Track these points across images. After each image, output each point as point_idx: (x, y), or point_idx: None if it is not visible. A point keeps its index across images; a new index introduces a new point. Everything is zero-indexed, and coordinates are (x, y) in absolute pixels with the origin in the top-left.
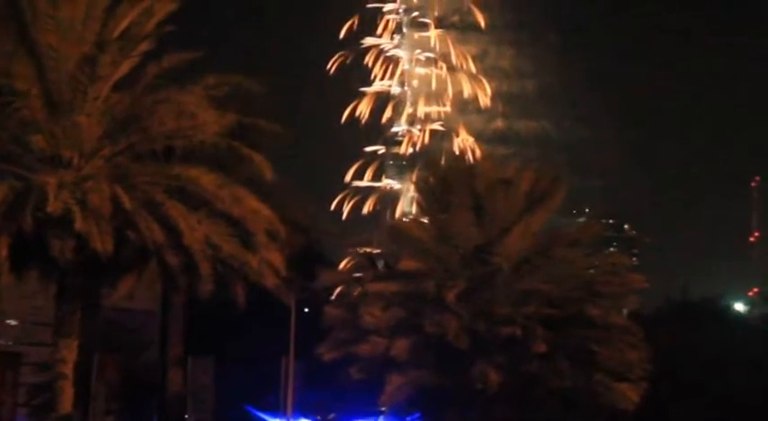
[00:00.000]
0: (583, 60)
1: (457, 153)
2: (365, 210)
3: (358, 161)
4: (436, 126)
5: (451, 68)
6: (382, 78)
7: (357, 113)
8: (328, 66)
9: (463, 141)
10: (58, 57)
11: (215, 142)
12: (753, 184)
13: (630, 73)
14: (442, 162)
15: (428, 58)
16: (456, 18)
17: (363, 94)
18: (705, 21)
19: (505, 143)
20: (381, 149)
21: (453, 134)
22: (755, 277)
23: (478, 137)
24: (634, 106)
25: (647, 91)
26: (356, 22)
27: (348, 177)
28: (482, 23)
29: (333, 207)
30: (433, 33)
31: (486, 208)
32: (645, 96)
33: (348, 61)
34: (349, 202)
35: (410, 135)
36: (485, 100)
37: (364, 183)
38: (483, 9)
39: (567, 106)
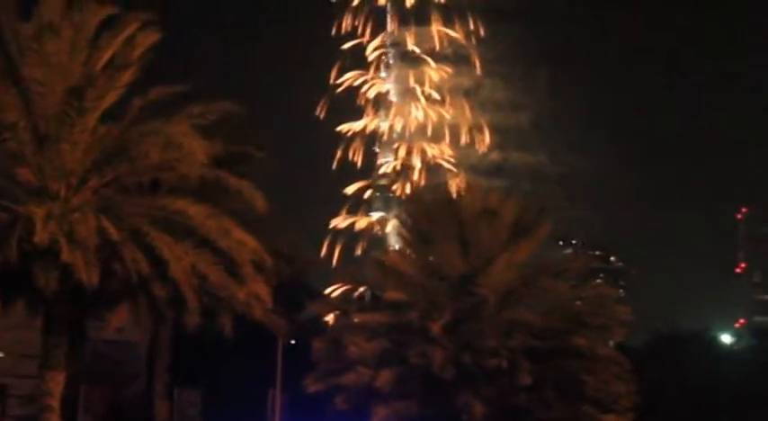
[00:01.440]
0: (575, 92)
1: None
2: (355, 249)
3: (345, 200)
4: (444, 163)
5: (445, 104)
6: (371, 114)
7: (345, 152)
8: (317, 111)
9: (460, 180)
10: (44, 90)
11: (201, 173)
12: (739, 216)
13: (624, 103)
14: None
15: (423, 94)
16: (449, 51)
17: (351, 135)
18: (696, 44)
19: (501, 176)
20: (368, 187)
21: (452, 171)
22: (742, 309)
23: (473, 170)
24: (624, 137)
25: (638, 119)
26: (344, 62)
27: (337, 219)
28: (476, 60)
29: (323, 252)
30: (434, 73)
31: (470, 239)
32: (636, 125)
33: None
34: (337, 245)
35: (401, 170)
36: (483, 141)
37: (347, 222)
38: (473, 43)
39: (560, 138)
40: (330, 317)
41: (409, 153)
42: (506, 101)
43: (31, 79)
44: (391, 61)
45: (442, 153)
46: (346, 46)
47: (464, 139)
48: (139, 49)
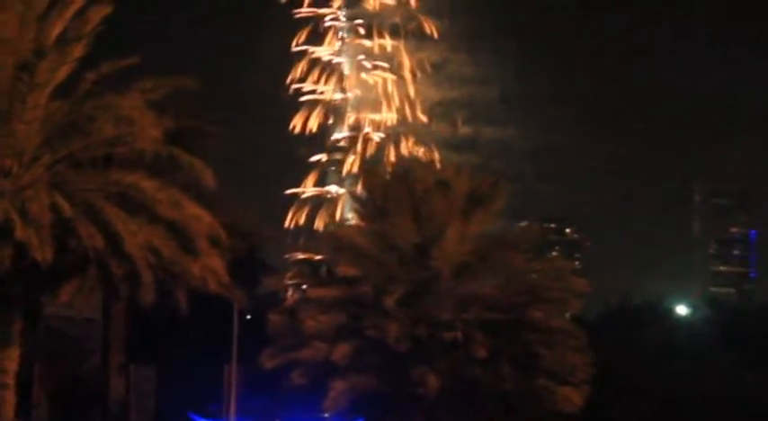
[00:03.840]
0: (541, 67)
1: (400, 158)
2: (306, 219)
3: (302, 169)
4: (378, 135)
5: (400, 76)
6: (325, 86)
7: (301, 123)
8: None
9: (409, 148)
10: None
11: (154, 148)
12: (695, 189)
13: (590, 78)
14: (382, 168)
15: (374, 66)
16: (412, 26)
17: (310, 104)
18: (669, 24)
19: (472, 151)
20: (323, 157)
21: (400, 141)
22: (698, 280)
23: (444, 145)
24: (586, 112)
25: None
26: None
27: (294, 188)
28: (434, 33)
29: (283, 220)
30: (388, 43)
31: (423, 211)
32: (600, 102)
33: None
34: (293, 213)
35: (354, 142)
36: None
37: (306, 190)
38: (434, 17)
39: (529, 112)
40: (288, 292)
41: (360, 125)
42: (473, 76)
43: None
44: (345, 34)
45: (391, 121)
46: (300, 14)
47: (419, 113)
48: (91, 23)
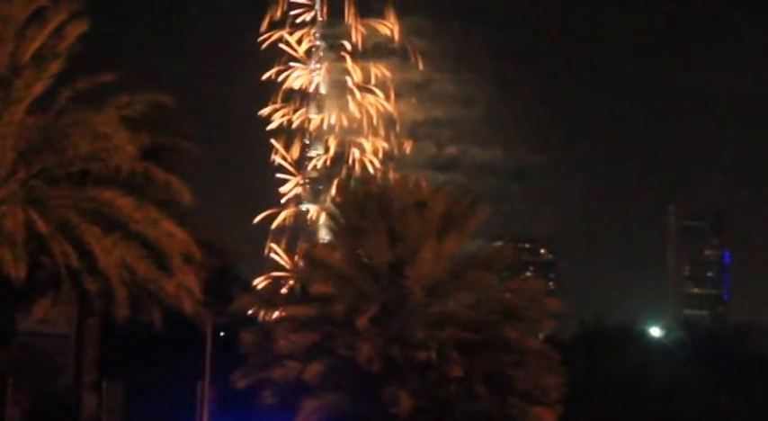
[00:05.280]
0: (524, 86)
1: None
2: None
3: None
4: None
5: (368, 92)
6: (299, 104)
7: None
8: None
9: (363, 159)
10: None
11: (130, 165)
12: (669, 211)
13: (571, 97)
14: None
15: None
16: (395, 45)
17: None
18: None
19: (457, 171)
20: (297, 178)
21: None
22: (671, 302)
23: (428, 165)
24: (570, 133)
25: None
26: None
27: (271, 208)
28: (415, 55)
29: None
30: (370, 67)
31: (399, 231)
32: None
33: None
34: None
35: (332, 162)
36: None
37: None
38: (416, 36)
39: (512, 132)
40: (260, 311)
41: (341, 145)
42: (456, 95)
43: None
44: (321, 54)
45: (376, 148)
46: (275, 36)
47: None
48: (68, 39)
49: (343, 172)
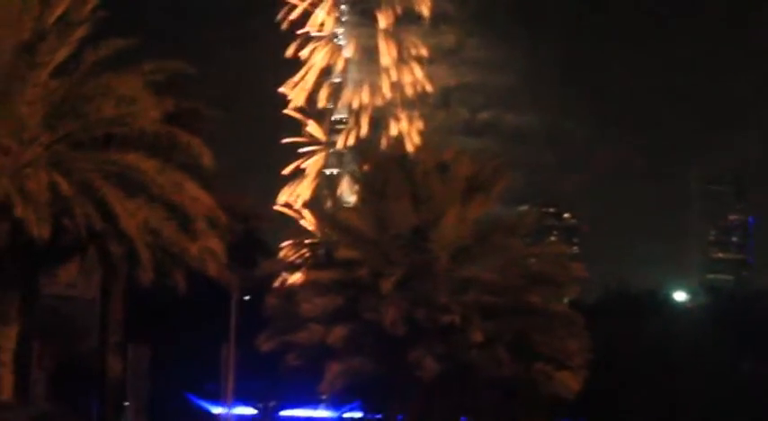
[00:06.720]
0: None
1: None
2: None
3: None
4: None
5: (401, 59)
6: (325, 66)
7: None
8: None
9: (401, 129)
10: None
11: (154, 128)
12: (693, 175)
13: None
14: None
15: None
16: (425, 8)
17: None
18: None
19: (490, 137)
20: (322, 138)
21: (391, 123)
22: (696, 266)
23: (462, 131)
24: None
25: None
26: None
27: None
28: (425, 12)
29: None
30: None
31: (422, 194)
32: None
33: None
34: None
35: (352, 123)
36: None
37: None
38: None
39: (544, 98)
40: (284, 275)
41: (361, 105)
42: (489, 61)
43: None
44: (348, 18)
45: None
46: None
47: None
48: (91, 4)
49: (368, 138)
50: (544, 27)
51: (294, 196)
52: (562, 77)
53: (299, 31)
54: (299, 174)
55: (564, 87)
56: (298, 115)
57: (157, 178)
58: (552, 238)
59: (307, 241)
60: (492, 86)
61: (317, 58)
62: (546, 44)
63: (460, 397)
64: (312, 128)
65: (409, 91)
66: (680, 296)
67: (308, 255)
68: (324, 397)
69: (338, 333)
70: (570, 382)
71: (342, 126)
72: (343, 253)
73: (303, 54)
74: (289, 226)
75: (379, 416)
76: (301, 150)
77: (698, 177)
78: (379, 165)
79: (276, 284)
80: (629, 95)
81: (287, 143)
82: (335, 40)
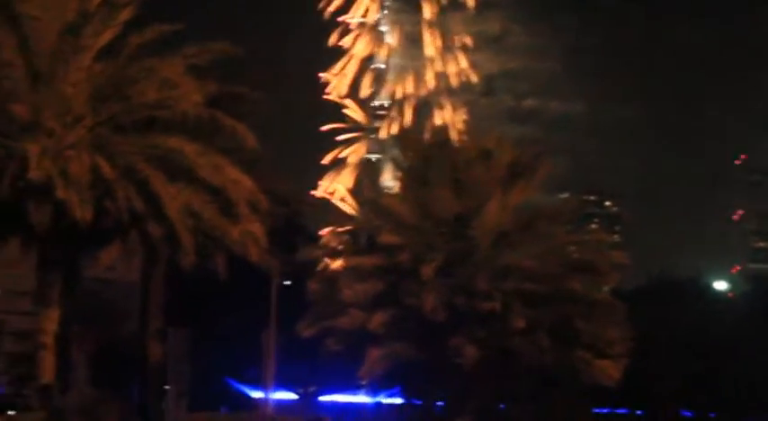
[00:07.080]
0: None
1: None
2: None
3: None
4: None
5: (445, 47)
6: (369, 53)
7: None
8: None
9: (445, 118)
10: (39, 27)
11: (196, 112)
12: (737, 162)
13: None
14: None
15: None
16: None
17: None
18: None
19: (535, 124)
20: (364, 123)
21: (436, 110)
22: (737, 255)
23: (506, 118)
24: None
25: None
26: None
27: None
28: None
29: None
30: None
31: (464, 180)
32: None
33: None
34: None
35: (396, 112)
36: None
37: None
38: None
39: (588, 86)
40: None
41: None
42: (533, 47)
43: (26, 16)
44: (390, 4)
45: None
46: None
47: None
48: None
49: (412, 127)
50: (587, 11)
51: (335, 183)
52: (607, 63)
53: (340, 18)
54: (339, 161)
55: (607, 73)
56: (340, 100)
57: (199, 161)
58: (593, 226)
59: (347, 227)
60: (536, 73)
61: (359, 46)
62: (590, 29)
63: (500, 384)
64: (353, 112)
65: (454, 81)
66: (720, 285)
67: (349, 240)
68: (363, 382)
69: (379, 318)
70: (611, 370)
71: (383, 112)
72: (386, 238)
73: (345, 41)
74: (329, 212)
75: (418, 402)
76: (341, 137)
77: (741, 165)
78: (421, 152)
79: (318, 269)
80: (676, 82)
81: (328, 130)
82: (378, 27)
